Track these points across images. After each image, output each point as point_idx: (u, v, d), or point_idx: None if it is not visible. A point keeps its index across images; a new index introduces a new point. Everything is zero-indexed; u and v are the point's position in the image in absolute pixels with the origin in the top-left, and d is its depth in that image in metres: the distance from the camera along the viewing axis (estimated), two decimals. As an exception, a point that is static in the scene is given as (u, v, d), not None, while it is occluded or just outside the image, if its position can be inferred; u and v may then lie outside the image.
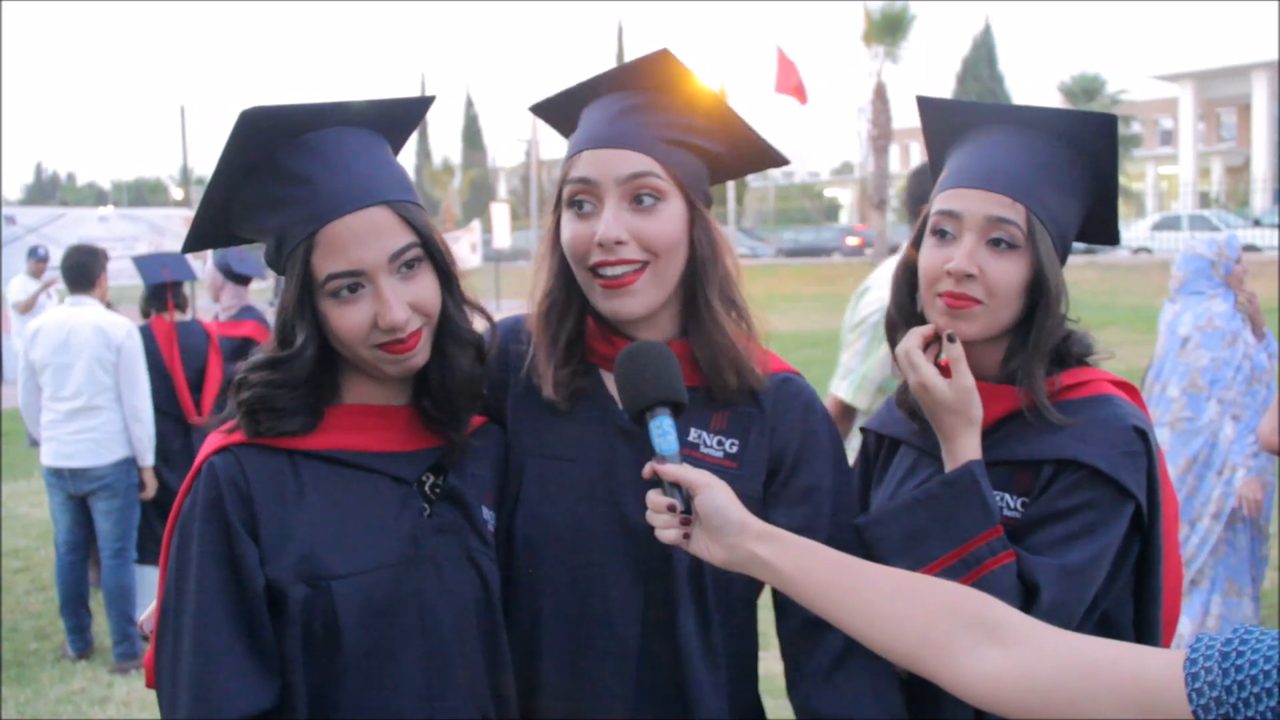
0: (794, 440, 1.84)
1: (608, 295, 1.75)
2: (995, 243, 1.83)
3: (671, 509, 1.58)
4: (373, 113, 1.71)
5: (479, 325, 1.82)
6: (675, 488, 1.59)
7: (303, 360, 1.65)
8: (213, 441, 1.70)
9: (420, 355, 1.69)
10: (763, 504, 1.81)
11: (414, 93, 1.82)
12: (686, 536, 1.59)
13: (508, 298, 22.77)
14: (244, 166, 1.64)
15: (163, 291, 6.72)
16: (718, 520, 1.56)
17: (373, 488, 1.71)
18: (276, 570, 1.62)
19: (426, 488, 1.77)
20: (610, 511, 1.79)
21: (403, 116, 1.77)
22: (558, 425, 1.85)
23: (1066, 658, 1.32)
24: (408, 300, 1.64)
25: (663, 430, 1.61)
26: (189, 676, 1.57)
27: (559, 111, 1.90)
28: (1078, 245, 1.96)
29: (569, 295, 1.84)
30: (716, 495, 1.57)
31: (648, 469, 1.62)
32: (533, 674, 1.80)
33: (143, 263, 6.90)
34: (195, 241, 1.77)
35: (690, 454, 1.79)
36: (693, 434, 1.82)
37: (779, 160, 1.90)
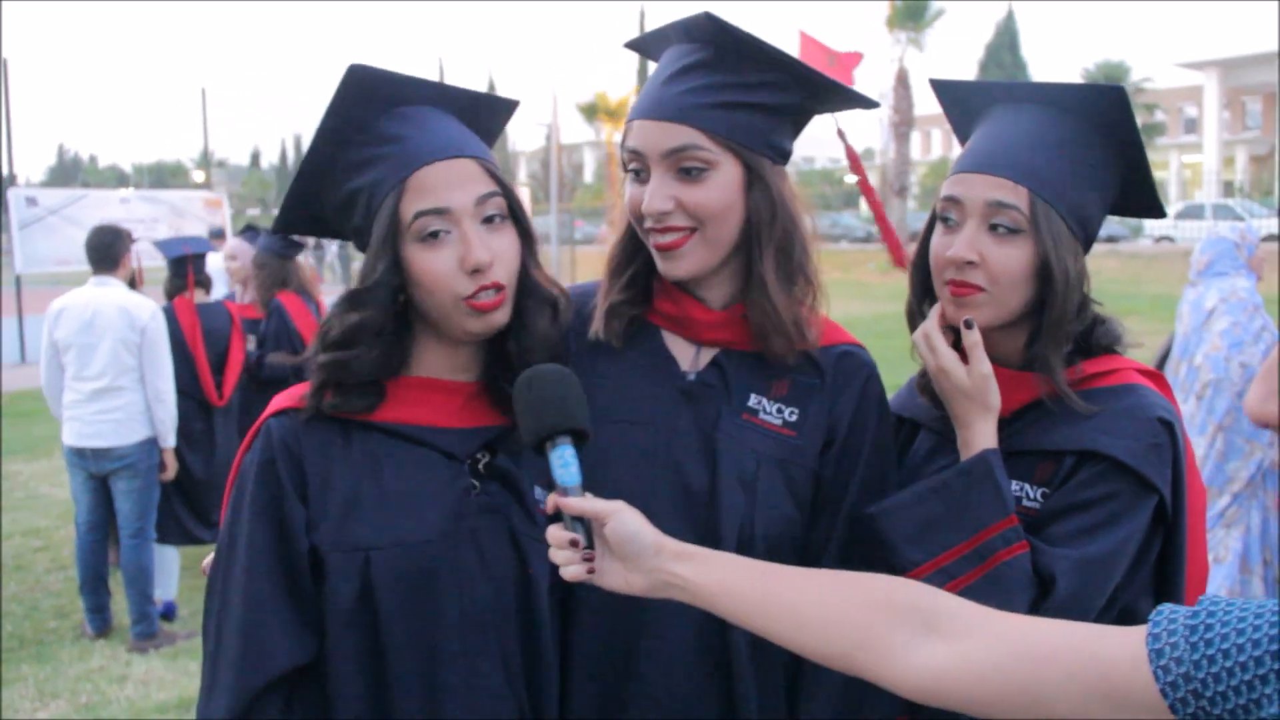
0: (848, 412, 1.83)
1: (660, 256, 1.78)
2: (997, 228, 1.79)
3: (574, 544, 1.49)
4: (464, 99, 1.78)
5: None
6: (578, 521, 1.50)
7: (377, 296, 1.67)
8: (277, 401, 1.75)
9: (502, 314, 1.71)
10: (818, 475, 1.81)
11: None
12: (591, 572, 1.50)
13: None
14: (347, 124, 1.70)
15: (184, 267, 6.75)
16: (634, 546, 1.47)
17: (422, 461, 1.72)
18: (319, 536, 1.67)
19: (480, 465, 1.77)
20: (671, 476, 1.78)
21: (489, 111, 1.83)
22: (617, 387, 1.84)
23: (1018, 645, 1.24)
24: (491, 250, 1.66)
25: (564, 461, 1.51)
26: (237, 626, 1.64)
27: (651, 49, 1.90)
28: (1099, 233, 1.91)
29: (637, 246, 1.86)
30: (629, 520, 1.48)
31: (550, 503, 1.52)
32: (573, 655, 1.79)
33: (164, 243, 6.94)
34: (287, 219, 1.82)
35: (749, 419, 1.80)
36: (753, 399, 1.81)
37: (863, 101, 1.87)
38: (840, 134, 1.87)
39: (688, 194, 1.73)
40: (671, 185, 1.73)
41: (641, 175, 1.77)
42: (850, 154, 1.88)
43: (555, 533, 1.51)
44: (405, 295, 1.70)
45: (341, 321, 1.69)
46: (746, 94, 1.75)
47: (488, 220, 1.68)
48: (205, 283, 6.93)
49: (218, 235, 12.00)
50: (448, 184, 1.65)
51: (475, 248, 1.64)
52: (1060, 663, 1.19)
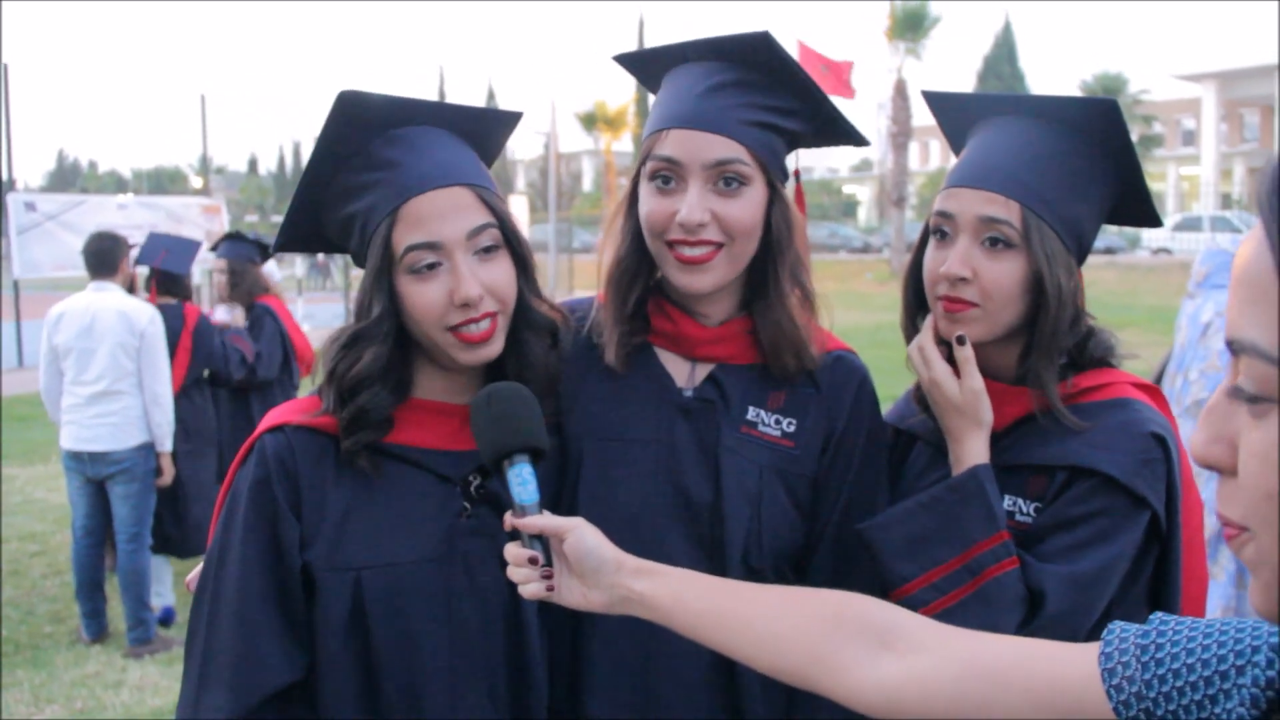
0: (843, 417, 1.85)
1: (682, 269, 1.76)
2: (990, 243, 1.79)
3: (533, 562, 1.50)
4: (460, 117, 1.76)
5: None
6: (536, 539, 1.52)
7: (379, 331, 1.67)
8: (271, 417, 1.74)
9: (494, 346, 1.70)
10: (815, 482, 1.82)
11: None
12: (550, 589, 1.51)
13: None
14: (340, 150, 1.69)
15: (151, 275, 6.71)
16: (593, 561, 1.48)
17: (416, 483, 1.72)
18: (312, 554, 1.66)
19: (472, 488, 1.77)
20: (673, 492, 1.80)
21: (490, 127, 1.82)
22: (615, 405, 1.85)
23: (972, 661, 1.24)
24: (483, 281, 1.65)
25: (523, 479, 1.53)
26: (230, 643, 1.63)
27: (643, 66, 1.91)
28: (1097, 245, 1.90)
29: (640, 262, 1.85)
30: (587, 536, 1.49)
31: (507, 521, 1.54)
32: (590, 665, 1.79)
33: (150, 240, 6.85)
34: (287, 239, 1.82)
35: (749, 432, 1.81)
36: (751, 412, 1.83)
37: (860, 141, 1.90)
38: (796, 172, 1.90)
39: (725, 207, 1.74)
40: (709, 197, 1.74)
41: (669, 185, 1.76)
42: (798, 190, 1.92)
43: (513, 550, 1.52)
44: (399, 322, 1.69)
45: (348, 363, 1.68)
46: (778, 118, 1.78)
47: (482, 250, 1.67)
48: (183, 292, 6.78)
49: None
50: (440, 215, 1.64)
51: (465, 281, 1.63)
52: (1014, 679, 1.19)
